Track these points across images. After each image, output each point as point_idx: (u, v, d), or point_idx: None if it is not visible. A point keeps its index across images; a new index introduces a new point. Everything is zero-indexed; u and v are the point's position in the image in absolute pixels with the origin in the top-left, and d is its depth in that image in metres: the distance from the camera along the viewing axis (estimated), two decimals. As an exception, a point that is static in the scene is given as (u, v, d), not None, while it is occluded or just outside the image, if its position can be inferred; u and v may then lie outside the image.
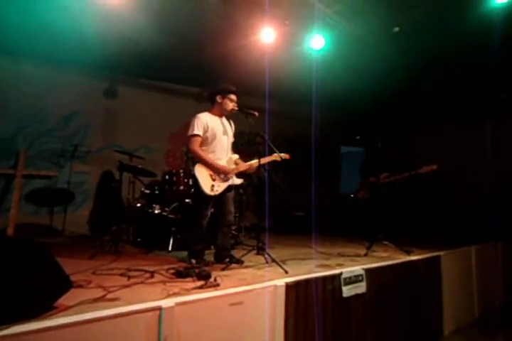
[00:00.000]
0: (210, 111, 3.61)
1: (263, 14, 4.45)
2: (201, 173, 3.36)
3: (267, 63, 5.25)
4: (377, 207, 4.84)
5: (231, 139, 3.68)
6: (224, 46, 5.11)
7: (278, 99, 6.80)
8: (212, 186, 3.33)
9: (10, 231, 3.54)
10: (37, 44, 4.78)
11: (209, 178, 3.36)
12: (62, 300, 2.01)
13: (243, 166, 3.58)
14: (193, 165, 3.46)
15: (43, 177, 4.43)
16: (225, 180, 3.46)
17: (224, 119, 3.65)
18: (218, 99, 3.57)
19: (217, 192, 3.35)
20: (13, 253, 1.89)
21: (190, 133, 3.44)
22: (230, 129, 3.68)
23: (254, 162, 3.58)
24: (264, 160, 3.62)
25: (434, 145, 7.43)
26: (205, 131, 3.45)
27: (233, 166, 3.56)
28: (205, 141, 3.47)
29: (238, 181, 3.62)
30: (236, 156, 3.66)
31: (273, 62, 5.30)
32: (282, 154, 3.72)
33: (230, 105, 3.56)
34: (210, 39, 5.04)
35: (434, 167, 4.67)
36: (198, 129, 3.42)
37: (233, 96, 3.59)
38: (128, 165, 4.51)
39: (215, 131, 3.49)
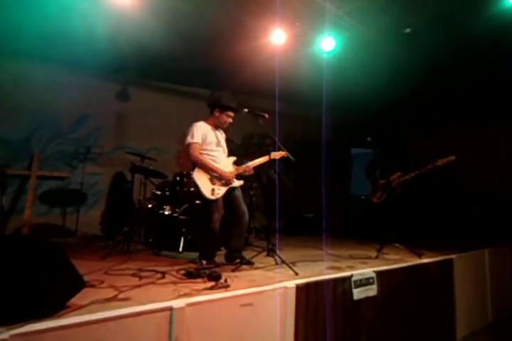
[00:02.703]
0: (206, 121, 3.66)
1: (274, 16, 4.45)
2: (200, 178, 3.40)
3: (277, 65, 5.23)
4: (394, 210, 4.59)
5: (225, 150, 3.73)
6: (234, 48, 5.12)
7: (288, 100, 6.77)
8: (213, 190, 3.38)
9: (24, 231, 3.60)
10: (50, 47, 4.85)
11: (209, 182, 3.41)
12: (75, 300, 2.04)
13: (241, 168, 3.61)
14: (192, 170, 3.50)
15: (56, 178, 4.50)
16: (225, 184, 3.48)
17: (217, 131, 3.70)
18: (216, 112, 3.63)
19: (218, 196, 3.40)
20: (28, 253, 1.92)
21: (189, 141, 3.48)
22: (223, 140, 3.73)
23: (251, 163, 3.62)
24: (256, 163, 3.64)
25: (444, 146, 7.34)
26: (203, 141, 3.51)
27: (231, 168, 3.58)
28: (202, 150, 3.52)
29: (237, 183, 3.62)
30: (233, 158, 3.70)
31: (283, 64, 5.28)
32: (277, 153, 3.67)
33: (226, 121, 3.63)
34: (221, 41, 5.06)
35: (453, 158, 4.25)
36: (197, 137, 3.48)
37: (231, 113, 3.64)
38: (140, 166, 4.55)
39: (210, 142, 3.55)
